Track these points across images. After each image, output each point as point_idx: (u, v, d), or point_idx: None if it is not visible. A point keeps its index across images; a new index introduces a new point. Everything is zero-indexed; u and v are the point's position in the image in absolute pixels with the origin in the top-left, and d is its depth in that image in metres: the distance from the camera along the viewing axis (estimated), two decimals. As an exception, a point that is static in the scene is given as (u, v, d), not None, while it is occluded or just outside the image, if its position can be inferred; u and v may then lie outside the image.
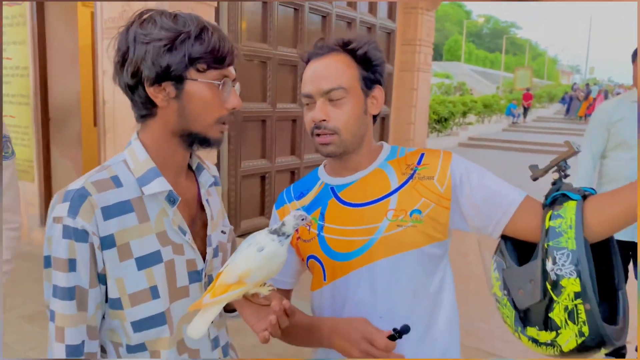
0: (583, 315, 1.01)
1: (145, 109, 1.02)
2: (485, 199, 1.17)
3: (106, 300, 1.01)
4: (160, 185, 1.02)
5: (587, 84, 27.28)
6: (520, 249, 1.17)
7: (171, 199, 1.04)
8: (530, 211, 1.15)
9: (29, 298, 3.80)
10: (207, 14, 4.28)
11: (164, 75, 0.97)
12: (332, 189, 1.26)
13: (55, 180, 5.16)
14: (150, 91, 0.99)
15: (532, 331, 1.09)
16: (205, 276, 1.10)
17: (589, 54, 74.14)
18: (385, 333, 1.09)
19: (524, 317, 1.11)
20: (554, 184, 1.14)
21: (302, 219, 1.02)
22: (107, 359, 1.04)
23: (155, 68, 0.96)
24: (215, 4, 4.33)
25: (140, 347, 1.03)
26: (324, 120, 1.17)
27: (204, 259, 1.10)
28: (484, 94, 25.32)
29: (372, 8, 6.46)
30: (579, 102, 23.76)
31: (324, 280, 1.24)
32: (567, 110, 24.08)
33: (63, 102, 5.15)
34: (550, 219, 1.08)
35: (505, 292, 1.13)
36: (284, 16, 5.22)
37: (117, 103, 4.10)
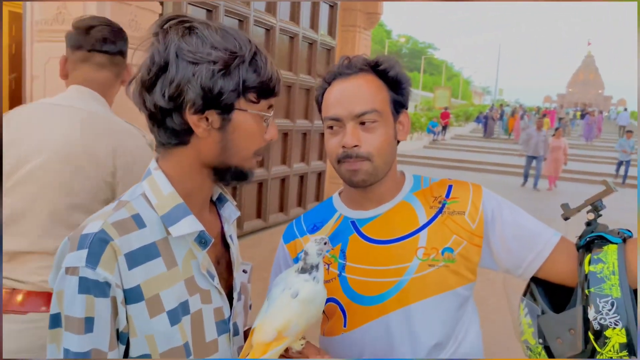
0: None
1: (176, 138, 0.86)
2: (517, 238, 1.11)
3: None
4: (191, 225, 0.86)
5: (501, 105, 28.75)
6: (551, 293, 1.12)
7: (202, 241, 0.88)
8: (565, 253, 1.10)
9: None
10: (149, 20, 4.04)
11: (212, 103, 0.82)
12: (352, 223, 1.15)
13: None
14: (193, 119, 0.83)
15: None
16: (231, 325, 0.95)
17: (498, 77, 78.94)
18: None
19: None
20: (588, 224, 1.10)
21: (325, 243, 0.91)
22: None
23: (204, 94, 0.81)
24: (159, 9, 4.10)
25: None
26: (356, 145, 1.07)
27: (229, 305, 0.95)
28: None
29: (314, 24, 6.43)
30: (494, 122, 25.05)
31: (344, 326, 1.12)
32: (485, 130, 25.21)
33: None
34: (590, 264, 1.03)
35: (540, 340, 1.07)
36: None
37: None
